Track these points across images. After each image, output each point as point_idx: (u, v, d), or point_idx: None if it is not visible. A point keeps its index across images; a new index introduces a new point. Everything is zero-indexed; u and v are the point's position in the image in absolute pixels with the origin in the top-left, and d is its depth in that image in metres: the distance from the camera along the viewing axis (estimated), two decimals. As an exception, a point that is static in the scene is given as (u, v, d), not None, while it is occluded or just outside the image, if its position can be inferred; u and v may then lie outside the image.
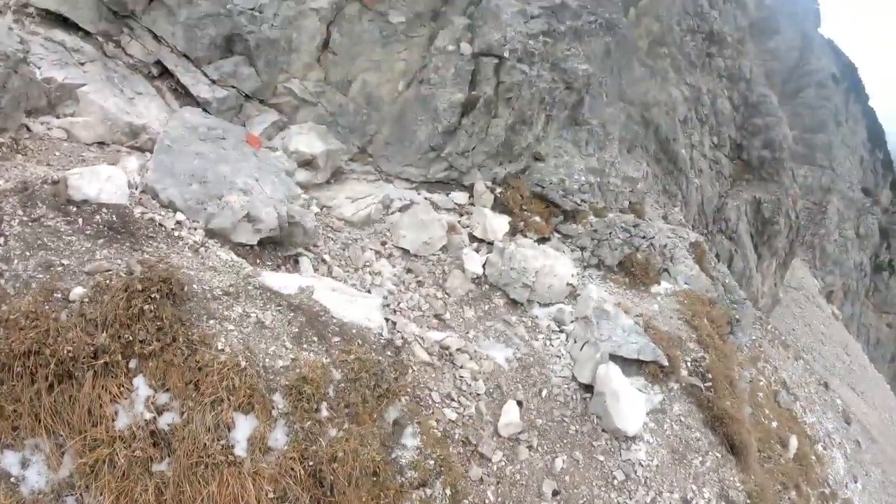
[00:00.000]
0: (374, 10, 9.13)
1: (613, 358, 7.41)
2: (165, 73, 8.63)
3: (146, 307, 4.67)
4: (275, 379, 4.85)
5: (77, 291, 4.62)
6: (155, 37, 8.53)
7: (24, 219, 5.09)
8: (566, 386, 7.40)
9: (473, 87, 9.65)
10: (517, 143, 10.12)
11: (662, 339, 7.99)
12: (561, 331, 8.24)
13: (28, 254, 4.81)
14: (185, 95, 8.57)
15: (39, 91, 7.14)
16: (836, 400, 16.94)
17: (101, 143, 7.50)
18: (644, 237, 10.02)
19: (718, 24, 20.04)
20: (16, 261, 4.72)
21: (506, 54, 9.54)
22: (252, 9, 8.52)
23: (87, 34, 8.32)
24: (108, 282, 4.74)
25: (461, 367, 7.19)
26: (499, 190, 10.11)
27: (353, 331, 5.69)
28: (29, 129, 6.95)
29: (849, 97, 35.38)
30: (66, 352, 4.26)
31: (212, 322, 4.99)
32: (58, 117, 7.37)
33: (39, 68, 7.43)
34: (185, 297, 5.03)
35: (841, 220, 32.75)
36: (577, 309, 8.36)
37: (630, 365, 7.55)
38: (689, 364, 8.17)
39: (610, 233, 9.87)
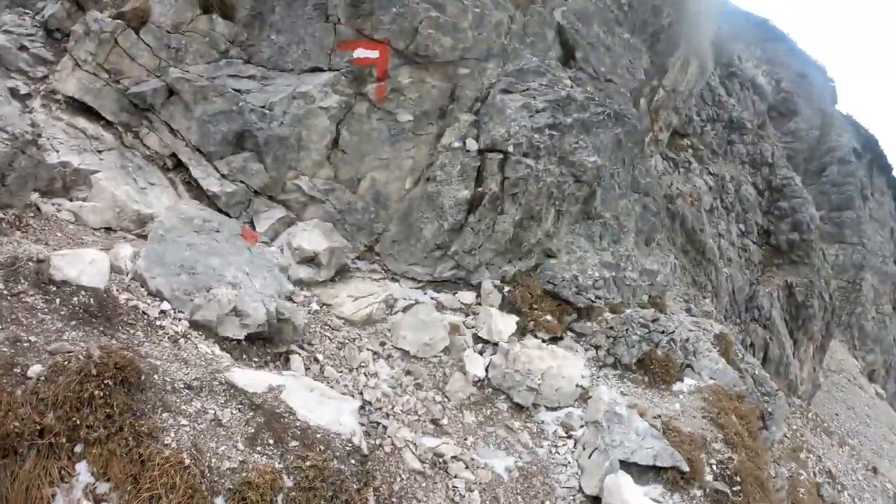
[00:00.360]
0: (382, 109, 9.35)
1: (627, 465, 6.66)
2: (180, 165, 8.90)
3: (97, 392, 4.49)
4: (219, 481, 4.49)
5: (35, 369, 4.54)
6: (171, 130, 8.87)
7: (4, 292, 5.17)
8: (571, 497, 6.63)
9: (479, 184, 9.54)
10: (526, 239, 9.84)
11: (684, 442, 7.20)
12: (569, 437, 7.55)
13: (0, 326, 4.81)
14: (196, 188, 8.76)
15: (49, 173, 7.39)
16: (886, 484, 15.47)
17: (108, 229, 7.69)
18: (664, 332, 9.32)
19: (737, 112, 20.33)
20: (-15, 332, 4.70)
21: (510, 149, 9.46)
22: (262, 107, 8.80)
23: (108, 123, 8.75)
24: (66, 363, 4.62)
25: (455, 477, 6.60)
26: (507, 289, 9.68)
27: (318, 435, 5.28)
28: (38, 209, 7.16)
29: (872, 170, 34.52)
30: (13, 427, 4.15)
31: (165, 415, 4.75)
32: (70, 200, 7.62)
33: (58, 152, 7.80)
34: (142, 386, 4.84)
35: (877, 296, 31.18)
36: (588, 413, 7.69)
37: (646, 472, 6.77)
38: (714, 467, 7.28)
39: (626, 329, 9.25)
